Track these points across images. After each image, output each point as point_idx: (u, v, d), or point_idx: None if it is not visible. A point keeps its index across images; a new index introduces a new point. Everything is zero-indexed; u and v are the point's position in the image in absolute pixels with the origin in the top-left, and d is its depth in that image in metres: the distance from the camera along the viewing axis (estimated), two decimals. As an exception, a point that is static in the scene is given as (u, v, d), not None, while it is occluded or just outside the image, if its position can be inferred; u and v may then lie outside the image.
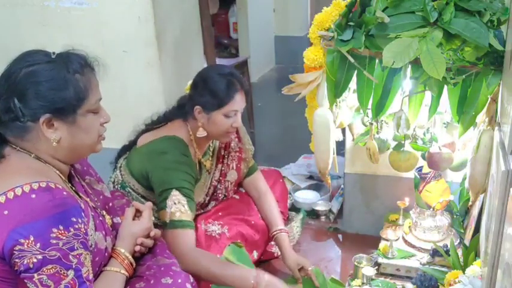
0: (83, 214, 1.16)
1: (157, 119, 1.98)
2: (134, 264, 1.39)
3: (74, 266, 1.11)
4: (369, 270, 1.79)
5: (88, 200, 1.33)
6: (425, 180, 1.98)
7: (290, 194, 2.61)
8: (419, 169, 2.01)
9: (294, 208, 2.59)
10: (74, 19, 2.56)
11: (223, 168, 2.04)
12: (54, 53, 1.22)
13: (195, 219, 1.87)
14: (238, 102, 1.80)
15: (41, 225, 1.07)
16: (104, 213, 1.41)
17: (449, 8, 1.44)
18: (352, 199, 2.37)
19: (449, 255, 1.79)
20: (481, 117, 1.59)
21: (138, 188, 1.88)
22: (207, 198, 2.02)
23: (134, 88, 2.57)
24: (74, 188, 1.31)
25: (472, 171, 1.63)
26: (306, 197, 2.64)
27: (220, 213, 2.01)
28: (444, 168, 1.85)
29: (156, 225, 1.55)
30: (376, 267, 1.92)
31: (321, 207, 2.54)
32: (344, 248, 2.33)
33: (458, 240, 1.97)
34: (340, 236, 2.41)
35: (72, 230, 1.11)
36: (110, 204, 1.48)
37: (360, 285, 1.83)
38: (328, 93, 1.70)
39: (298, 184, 2.79)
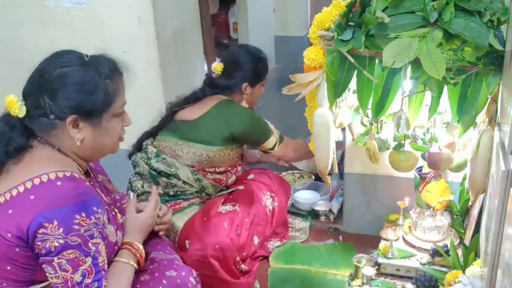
0: (101, 206, 1.21)
1: (185, 100, 2.21)
2: (144, 257, 1.42)
3: (92, 254, 1.16)
4: (369, 270, 1.79)
5: (103, 195, 1.38)
6: (425, 180, 1.97)
7: (290, 194, 2.62)
8: (419, 169, 2.01)
9: (295, 208, 2.59)
10: (74, 19, 2.56)
11: None
12: (87, 56, 1.26)
13: (215, 200, 2.15)
14: None
15: (65, 211, 1.12)
16: (116, 210, 1.45)
17: (449, 8, 1.44)
18: (352, 199, 2.37)
19: (449, 255, 1.79)
20: (481, 117, 1.59)
21: (189, 151, 2.09)
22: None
23: (134, 88, 2.57)
24: (91, 183, 1.35)
25: (472, 171, 1.63)
26: (306, 197, 2.64)
27: (230, 196, 2.19)
28: (444, 168, 1.85)
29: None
30: (376, 267, 1.92)
31: (321, 207, 2.54)
32: (344, 248, 2.33)
33: (458, 240, 1.97)
34: (340, 236, 2.41)
35: (93, 218, 1.15)
36: (118, 204, 1.51)
37: (360, 285, 1.83)
38: (328, 93, 1.70)
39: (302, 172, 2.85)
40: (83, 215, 1.13)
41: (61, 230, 1.11)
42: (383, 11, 1.52)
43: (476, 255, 1.71)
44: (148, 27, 2.45)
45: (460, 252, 1.83)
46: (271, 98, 4.68)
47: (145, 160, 2.11)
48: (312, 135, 1.90)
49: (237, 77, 2.18)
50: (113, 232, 1.34)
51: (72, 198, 1.14)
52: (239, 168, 2.26)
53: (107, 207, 1.34)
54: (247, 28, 4.97)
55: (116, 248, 1.36)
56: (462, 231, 1.99)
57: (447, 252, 1.82)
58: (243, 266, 2.02)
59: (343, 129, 2.07)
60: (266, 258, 2.20)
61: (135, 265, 1.37)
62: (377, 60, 1.59)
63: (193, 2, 2.78)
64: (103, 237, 1.21)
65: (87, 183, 1.23)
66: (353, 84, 1.68)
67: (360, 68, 1.59)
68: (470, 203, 1.93)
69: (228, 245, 1.94)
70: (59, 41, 2.63)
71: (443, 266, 1.85)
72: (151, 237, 1.59)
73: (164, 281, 1.38)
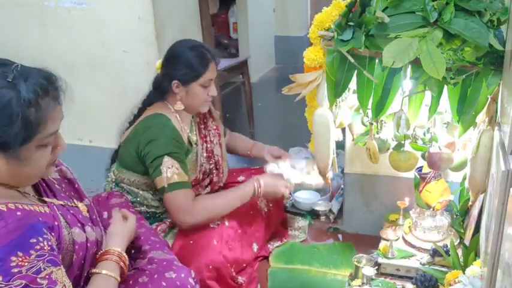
0: (44, 230, 1.09)
1: (138, 111, 2.06)
2: (127, 264, 1.37)
3: None
4: (369, 270, 1.79)
5: (54, 200, 1.26)
6: (425, 180, 1.97)
7: (290, 194, 2.61)
8: (419, 169, 2.01)
9: (294, 208, 2.59)
10: (74, 19, 2.56)
11: (208, 146, 2.10)
12: (15, 69, 1.09)
13: None
14: (212, 71, 1.93)
15: None
16: (76, 202, 1.34)
17: (449, 8, 1.44)
18: (352, 199, 2.37)
19: (449, 255, 1.79)
20: (481, 117, 1.59)
21: (135, 180, 1.94)
22: (201, 175, 2.07)
23: (134, 88, 2.57)
24: (36, 193, 1.24)
25: (472, 171, 1.63)
26: (306, 197, 2.64)
27: None
28: (444, 168, 1.85)
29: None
30: (376, 267, 1.92)
31: (321, 207, 2.54)
32: (344, 248, 2.32)
33: (458, 240, 1.97)
34: (340, 236, 2.41)
35: (33, 252, 1.04)
36: (76, 185, 1.41)
37: (360, 285, 1.83)
38: (328, 93, 1.70)
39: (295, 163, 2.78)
40: (20, 254, 1.02)
41: (0, 278, 1.00)
42: (383, 11, 1.52)
43: (476, 255, 1.71)
44: (148, 27, 2.45)
45: (460, 252, 1.83)
46: (271, 98, 4.69)
47: (112, 186, 1.99)
48: (312, 135, 1.90)
49: (167, 74, 1.92)
50: (79, 233, 1.24)
51: (2, 240, 1.01)
52: (207, 183, 2.09)
53: (61, 211, 1.23)
54: (247, 28, 4.97)
55: (88, 245, 1.27)
56: (462, 231, 1.99)
57: (447, 252, 1.82)
58: (240, 279, 1.94)
59: (343, 129, 2.07)
60: (266, 258, 2.20)
61: (119, 278, 1.29)
62: (377, 60, 1.59)
63: (193, 2, 2.78)
64: (56, 262, 1.09)
65: (20, 211, 1.08)
66: (353, 84, 1.68)
67: (360, 68, 1.60)
68: (470, 203, 1.94)
69: (221, 263, 1.84)
70: (59, 40, 2.64)
71: (443, 266, 1.85)
72: (149, 236, 1.59)
73: (163, 283, 1.37)
